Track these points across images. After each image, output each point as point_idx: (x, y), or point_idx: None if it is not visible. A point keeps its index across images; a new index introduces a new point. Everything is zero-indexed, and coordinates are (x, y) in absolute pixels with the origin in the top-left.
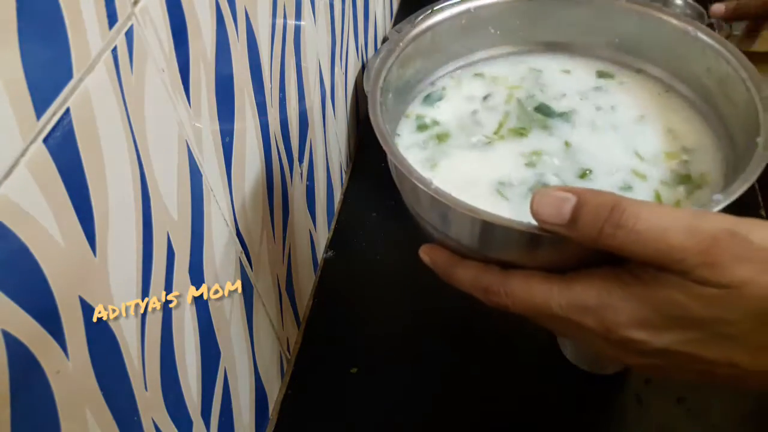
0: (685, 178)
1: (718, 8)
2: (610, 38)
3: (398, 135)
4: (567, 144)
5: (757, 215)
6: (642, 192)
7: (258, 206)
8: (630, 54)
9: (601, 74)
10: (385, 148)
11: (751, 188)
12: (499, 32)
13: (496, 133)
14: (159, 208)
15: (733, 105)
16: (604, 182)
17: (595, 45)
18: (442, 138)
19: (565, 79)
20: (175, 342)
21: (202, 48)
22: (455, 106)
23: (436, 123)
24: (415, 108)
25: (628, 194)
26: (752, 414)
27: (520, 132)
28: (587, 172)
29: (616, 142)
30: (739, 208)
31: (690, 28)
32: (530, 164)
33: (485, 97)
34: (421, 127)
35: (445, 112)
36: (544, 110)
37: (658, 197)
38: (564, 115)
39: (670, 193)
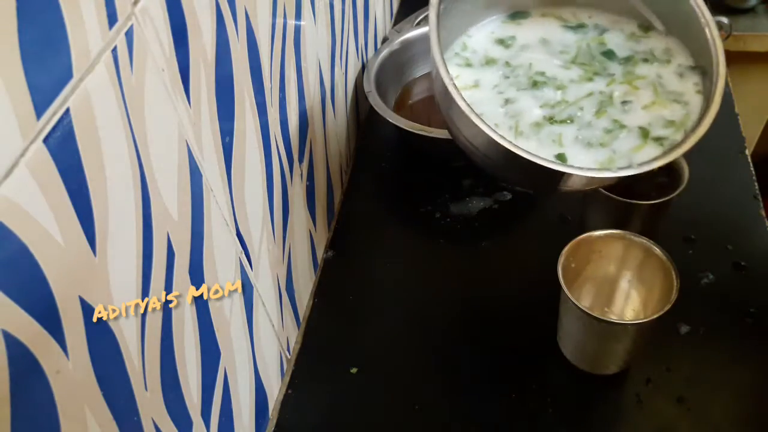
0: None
1: None
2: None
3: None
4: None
5: (757, 215)
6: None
7: (258, 206)
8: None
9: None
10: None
11: (752, 192)
12: None
13: (572, 61)
14: (159, 208)
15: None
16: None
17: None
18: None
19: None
20: (175, 342)
21: (202, 48)
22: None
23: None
24: (494, 23)
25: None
26: (752, 414)
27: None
28: (572, 119)
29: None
30: (739, 208)
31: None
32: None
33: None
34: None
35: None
36: (608, 54)
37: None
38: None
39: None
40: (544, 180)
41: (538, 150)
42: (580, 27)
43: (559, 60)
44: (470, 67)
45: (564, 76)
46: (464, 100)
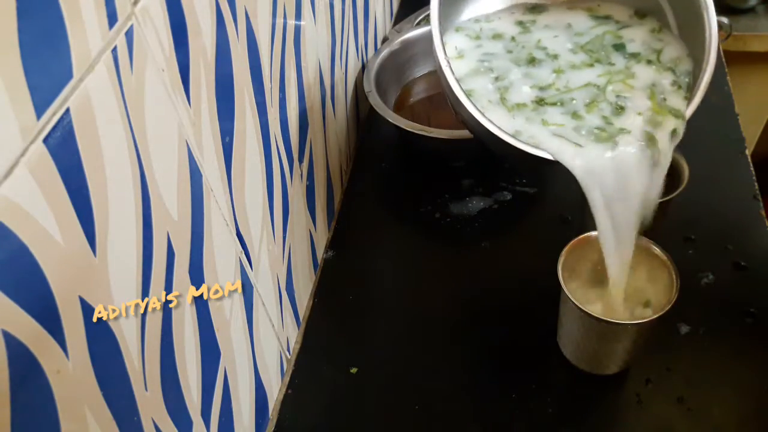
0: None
1: None
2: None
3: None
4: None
5: (757, 215)
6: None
7: (258, 206)
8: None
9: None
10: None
11: (752, 192)
12: None
13: (582, 47)
14: (159, 208)
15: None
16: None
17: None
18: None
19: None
20: (175, 342)
21: (202, 48)
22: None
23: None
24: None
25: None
26: (752, 414)
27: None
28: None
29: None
30: (739, 208)
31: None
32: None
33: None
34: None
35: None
36: (618, 47)
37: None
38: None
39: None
40: (540, 161)
41: (526, 127)
42: (604, 18)
43: (570, 43)
44: (477, 39)
45: (566, 60)
46: (460, 87)
